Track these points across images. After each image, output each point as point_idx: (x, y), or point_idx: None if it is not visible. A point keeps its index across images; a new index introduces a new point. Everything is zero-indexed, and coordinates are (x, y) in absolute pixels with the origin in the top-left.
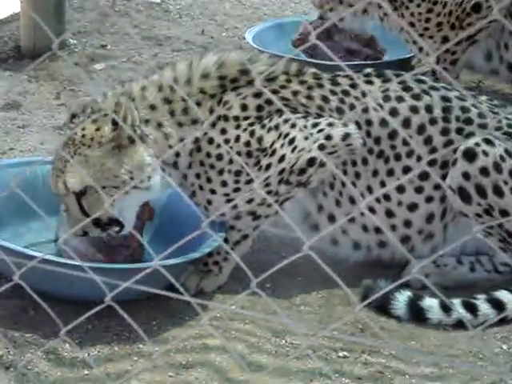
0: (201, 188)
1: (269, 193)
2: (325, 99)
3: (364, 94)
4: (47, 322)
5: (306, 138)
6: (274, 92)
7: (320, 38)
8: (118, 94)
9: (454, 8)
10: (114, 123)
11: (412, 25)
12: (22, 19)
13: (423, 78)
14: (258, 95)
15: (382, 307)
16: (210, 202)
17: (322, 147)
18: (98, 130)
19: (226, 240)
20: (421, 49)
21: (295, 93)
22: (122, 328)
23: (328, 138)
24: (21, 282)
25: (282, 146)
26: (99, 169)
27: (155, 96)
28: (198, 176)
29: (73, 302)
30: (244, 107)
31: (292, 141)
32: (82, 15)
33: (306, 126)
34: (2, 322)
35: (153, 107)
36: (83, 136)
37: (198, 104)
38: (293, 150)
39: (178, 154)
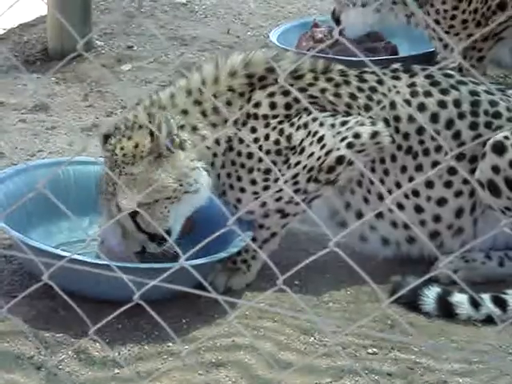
0: (231, 187)
1: (298, 191)
2: (352, 96)
3: (391, 90)
4: (77, 322)
5: (335, 136)
6: (302, 90)
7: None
8: (148, 105)
9: (479, 5)
10: (151, 134)
11: (437, 22)
12: (49, 22)
13: (451, 72)
14: (286, 93)
15: (411, 303)
16: (239, 201)
17: (350, 145)
18: (136, 146)
19: (254, 238)
20: (446, 46)
21: (323, 90)
22: (152, 327)
23: (356, 136)
24: (50, 282)
25: (311, 143)
26: (148, 183)
27: (185, 101)
28: (228, 175)
29: (103, 301)
30: (273, 105)
31: (321, 139)
32: (108, 17)
33: (334, 124)
34: (33, 323)
35: (185, 112)
36: (124, 155)
37: (229, 103)
38: (322, 148)
39: (215, 154)
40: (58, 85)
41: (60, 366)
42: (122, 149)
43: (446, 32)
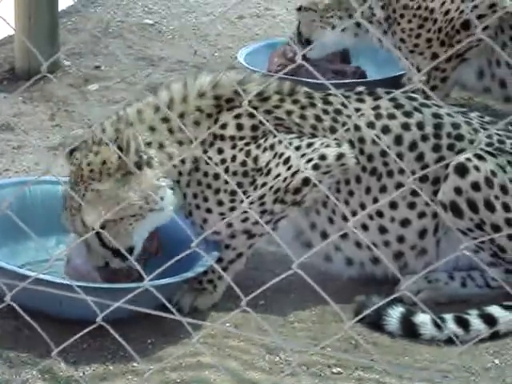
0: (197, 207)
1: (264, 212)
2: (318, 118)
3: (356, 113)
4: (42, 342)
5: (301, 158)
6: (268, 112)
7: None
8: (115, 121)
9: (443, 25)
10: (119, 150)
11: (403, 41)
12: (17, 41)
13: (414, 95)
14: (252, 115)
15: (375, 323)
16: (205, 221)
17: (316, 167)
18: (104, 162)
19: (220, 259)
20: (412, 65)
21: (289, 112)
22: (117, 347)
23: (322, 157)
24: (12, 303)
25: (277, 165)
26: (114, 201)
27: (153, 117)
28: (195, 196)
29: (68, 321)
30: (239, 127)
31: (287, 160)
32: (76, 37)
33: (300, 146)
34: None
35: (152, 129)
36: (91, 171)
37: (196, 123)
38: (288, 170)
39: (180, 173)
40: (25, 104)
41: None
42: (88, 164)
43: (411, 51)
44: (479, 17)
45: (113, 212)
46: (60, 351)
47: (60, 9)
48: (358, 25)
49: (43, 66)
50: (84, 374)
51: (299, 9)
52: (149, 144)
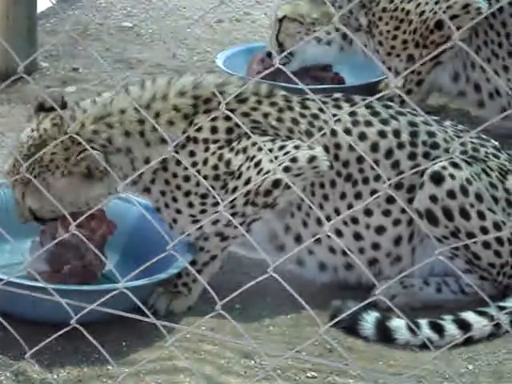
0: (166, 206)
1: (235, 214)
2: (294, 122)
3: (332, 118)
4: (16, 343)
5: (272, 161)
6: (245, 114)
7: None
8: (97, 115)
9: (418, 25)
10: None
11: (380, 43)
12: None
13: (390, 103)
14: (228, 118)
15: (351, 328)
16: (175, 221)
17: (287, 169)
18: (67, 159)
19: (194, 261)
20: (389, 68)
21: (266, 115)
22: (91, 350)
23: (293, 160)
24: None
25: (248, 168)
26: (57, 196)
27: (131, 119)
28: (162, 193)
29: (42, 323)
30: (214, 130)
31: (258, 163)
32: (54, 38)
33: (272, 149)
34: None
35: (127, 134)
36: (51, 161)
37: (171, 123)
38: (258, 173)
39: (140, 174)
40: (2, 105)
41: None
42: (52, 154)
43: (388, 53)
44: (452, 17)
45: (50, 203)
46: (34, 353)
47: (38, 10)
48: (344, 37)
49: (20, 66)
50: (58, 376)
51: (281, 19)
52: (118, 150)
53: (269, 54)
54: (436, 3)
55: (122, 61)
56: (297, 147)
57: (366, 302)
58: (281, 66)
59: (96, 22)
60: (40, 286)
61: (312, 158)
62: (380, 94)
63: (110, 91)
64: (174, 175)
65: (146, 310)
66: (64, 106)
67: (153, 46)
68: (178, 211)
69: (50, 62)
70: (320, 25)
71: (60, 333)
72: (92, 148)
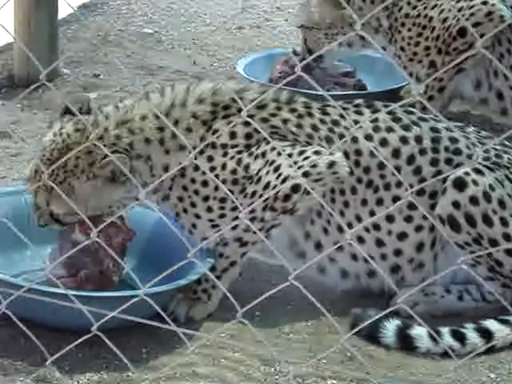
0: (185, 211)
1: (254, 219)
2: (314, 128)
3: (353, 125)
4: (38, 350)
5: (292, 166)
6: (264, 120)
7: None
8: (120, 120)
9: (441, 32)
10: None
11: (402, 49)
12: (16, 49)
13: (412, 109)
14: (247, 123)
15: (371, 336)
16: (194, 226)
17: (306, 174)
18: (91, 164)
19: (213, 267)
20: (411, 74)
21: (285, 121)
22: (112, 356)
23: (313, 165)
24: (7, 311)
25: (268, 173)
26: (81, 200)
27: (152, 127)
28: (180, 199)
29: (63, 330)
30: (233, 135)
31: (277, 168)
32: (75, 45)
33: (292, 154)
34: None
35: (148, 141)
36: (76, 166)
37: (189, 130)
38: (277, 177)
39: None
40: (24, 112)
41: None
42: (77, 158)
43: (410, 59)
44: (475, 25)
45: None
46: (55, 360)
47: (60, 17)
48: (363, 37)
49: (42, 73)
50: (78, 382)
51: (301, 27)
52: (138, 156)
53: (294, 53)
54: (459, 10)
55: (143, 67)
56: (316, 153)
57: (388, 310)
58: (302, 74)
59: (117, 28)
60: (60, 293)
61: (331, 164)
62: (403, 102)
63: (131, 97)
64: (192, 181)
65: (166, 317)
66: (89, 110)
67: (173, 52)
68: (197, 216)
69: (72, 68)
70: (336, 28)
71: (81, 340)
72: (116, 152)
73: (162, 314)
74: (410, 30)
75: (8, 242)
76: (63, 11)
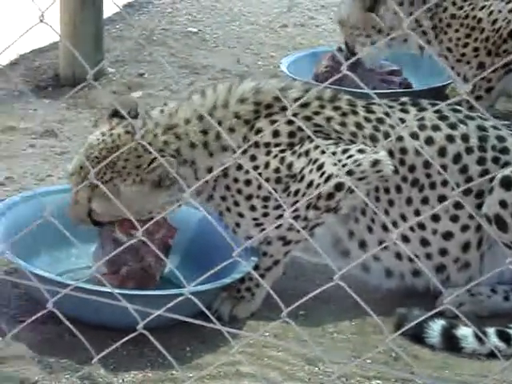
0: (228, 210)
1: (297, 218)
2: (358, 126)
3: (399, 123)
4: (83, 348)
5: (335, 164)
6: (307, 118)
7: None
8: (166, 126)
9: (491, 34)
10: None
11: (450, 50)
12: (62, 48)
13: (458, 107)
14: (290, 122)
15: (416, 336)
16: (238, 225)
17: (350, 173)
18: (139, 167)
19: (257, 266)
20: (458, 74)
21: (329, 119)
22: (156, 354)
23: (357, 163)
24: (54, 309)
25: (311, 171)
26: (125, 202)
27: (195, 130)
28: (223, 198)
29: (108, 328)
30: (276, 134)
31: (321, 166)
32: (120, 44)
33: (335, 152)
34: (38, 348)
35: (193, 146)
36: (124, 167)
37: (231, 130)
38: (321, 176)
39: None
40: (69, 110)
41: None
42: (125, 160)
43: (458, 60)
44: None
45: (115, 209)
46: (100, 358)
47: (105, 16)
48: (392, 37)
49: (89, 73)
50: (123, 380)
51: (338, 23)
52: (185, 162)
53: (339, 49)
54: (510, 12)
55: (187, 66)
56: (360, 151)
57: (434, 311)
58: (348, 72)
59: (162, 27)
60: (104, 291)
61: (376, 162)
62: (449, 101)
63: (175, 99)
64: (235, 180)
65: (211, 316)
66: (137, 114)
67: (218, 51)
68: (241, 215)
69: (117, 67)
70: (358, 29)
71: (126, 338)
72: (163, 157)
73: (207, 312)
74: (457, 30)
75: (53, 240)
76: (108, 10)
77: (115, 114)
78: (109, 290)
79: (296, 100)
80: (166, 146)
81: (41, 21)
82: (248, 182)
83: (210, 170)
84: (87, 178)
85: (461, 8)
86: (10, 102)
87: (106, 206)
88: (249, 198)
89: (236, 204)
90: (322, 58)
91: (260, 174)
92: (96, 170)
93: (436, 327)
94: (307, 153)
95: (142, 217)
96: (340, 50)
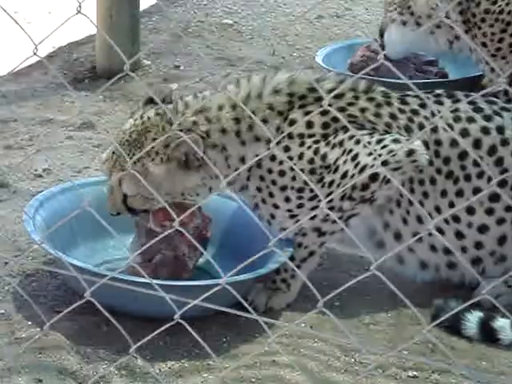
0: (263, 202)
1: (332, 209)
2: (393, 117)
3: (434, 114)
4: (120, 338)
5: (370, 154)
6: (341, 109)
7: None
8: (198, 108)
9: None
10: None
11: (484, 45)
12: (98, 40)
13: (494, 99)
14: (324, 113)
15: (453, 327)
16: (273, 217)
17: (385, 163)
18: (166, 146)
19: (292, 257)
20: (493, 69)
21: (363, 110)
22: (192, 344)
23: (392, 154)
24: (92, 299)
25: (345, 162)
26: (154, 183)
27: (228, 117)
28: (259, 189)
29: (144, 318)
30: (310, 125)
31: (355, 157)
32: (156, 36)
33: (370, 142)
34: (75, 338)
35: (224, 131)
36: (152, 147)
37: (265, 121)
38: (355, 166)
39: (235, 169)
40: (106, 103)
41: (102, 382)
42: (154, 140)
43: (493, 55)
44: None
45: (145, 189)
46: (137, 348)
47: (141, 8)
48: (419, 24)
49: (126, 65)
50: (160, 370)
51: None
52: (214, 146)
53: (376, 40)
54: None
55: (223, 58)
56: (395, 141)
57: (471, 301)
58: (385, 62)
59: (197, 19)
60: (141, 281)
61: (410, 152)
62: (485, 91)
63: (211, 89)
64: (269, 171)
65: (247, 306)
66: (171, 101)
67: (253, 42)
68: (276, 206)
69: (152, 59)
70: (395, 10)
71: (163, 328)
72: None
73: (244, 303)
74: (492, 25)
75: (90, 231)
76: (144, 3)
77: (150, 101)
78: (146, 281)
79: (330, 91)
80: (195, 127)
81: (78, 12)
82: (282, 173)
83: (242, 160)
84: (119, 162)
85: (495, 3)
86: (47, 94)
87: (137, 187)
88: (283, 189)
89: (271, 195)
90: (359, 49)
91: (294, 165)
92: (126, 152)
93: (473, 319)
94: (341, 143)
95: (173, 199)
96: (376, 40)
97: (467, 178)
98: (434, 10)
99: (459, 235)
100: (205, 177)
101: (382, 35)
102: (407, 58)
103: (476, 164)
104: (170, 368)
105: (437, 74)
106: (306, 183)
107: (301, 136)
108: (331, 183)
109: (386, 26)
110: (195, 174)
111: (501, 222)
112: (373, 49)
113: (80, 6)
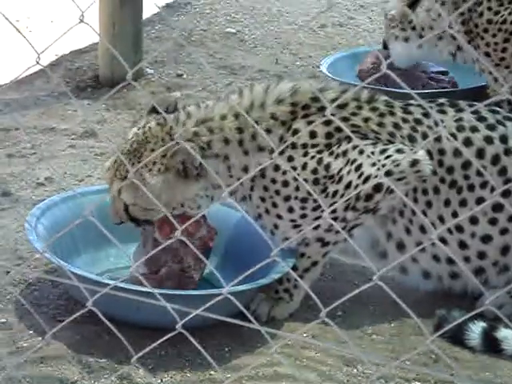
0: (267, 212)
1: (335, 219)
2: (396, 126)
3: (437, 124)
4: (121, 348)
5: (374, 165)
6: (345, 119)
7: (392, 67)
8: (200, 119)
9: None
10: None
11: (487, 55)
12: (101, 49)
13: (497, 108)
14: (327, 122)
15: (456, 338)
16: (276, 227)
17: (389, 173)
18: (164, 156)
19: (295, 267)
20: (496, 79)
21: (366, 119)
22: (194, 354)
23: (395, 164)
24: (94, 308)
25: (349, 172)
26: (153, 194)
27: (231, 127)
28: (262, 200)
29: (146, 328)
30: (313, 134)
31: (359, 167)
32: (159, 45)
33: (373, 153)
34: (77, 347)
35: (227, 141)
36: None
37: (268, 131)
38: (359, 177)
39: (237, 179)
40: (108, 111)
41: None
42: (152, 150)
43: (497, 65)
44: None
45: (144, 201)
46: (138, 358)
47: (144, 17)
48: (421, 37)
49: (128, 73)
50: (162, 380)
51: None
52: (216, 156)
53: (385, 47)
54: None
55: (226, 67)
56: (399, 151)
57: (475, 312)
58: (388, 71)
59: (200, 28)
60: (142, 291)
61: (414, 162)
62: (488, 101)
63: (214, 97)
64: (273, 181)
65: (249, 316)
66: (175, 111)
67: (256, 51)
68: (279, 216)
69: (155, 68)
70: (395, 21)
71: (166, 337)
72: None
73: (246, 312)
74: (494, 35)
75: (92, 240)
76: (147, 11)
77: (153, 110)
78: (148, 290)
79: (333, 101)
80: (195, 137)
81: (81, 21)
82: (286, 183)
83: (245, 169)
84: (119, 171)
85: (497, 13)
86: (49, 102)
87: (135, 196)
88: (287, 199)
89: (274, 205)
90: (368, 56)
91: (298, 175)
92: (126, 161)
93: (476, 329)
94: (345, 153)
95: (173, 210)
96: (385, 47)
97: (471, 187)
98: (435, 22)
99: (462, 245)
100: (206, 187)
101: (385, 47)
102: (417, 66)
103: (479, 173)
104: (171, 378)
105: (448, 82)
106: (309, 193)
107: (304, 146)
108: (335, 193)
109: (389, 41)
110: (194, 183)
111: (504, 232)
112: (384, 55)
113: (83, 15)
